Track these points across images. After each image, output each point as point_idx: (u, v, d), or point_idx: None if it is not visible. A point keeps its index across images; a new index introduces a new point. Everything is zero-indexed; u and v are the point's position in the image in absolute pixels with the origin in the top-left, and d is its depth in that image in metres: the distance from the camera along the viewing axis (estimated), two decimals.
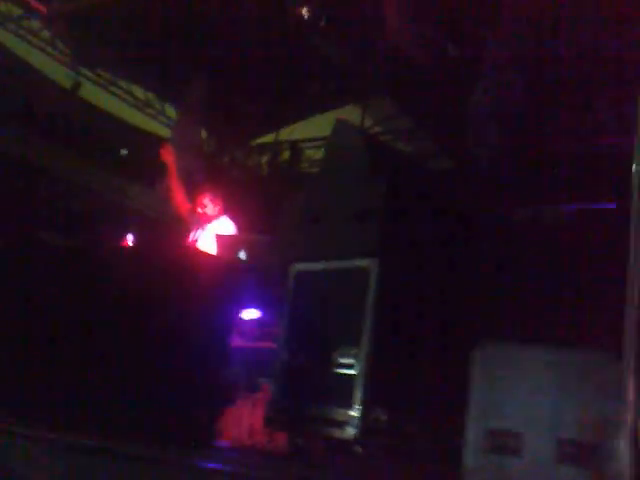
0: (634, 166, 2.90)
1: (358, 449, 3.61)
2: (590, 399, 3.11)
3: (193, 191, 5.77)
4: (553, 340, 3.34)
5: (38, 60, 8.31)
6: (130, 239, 5.29)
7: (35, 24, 7.96)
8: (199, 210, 5.47)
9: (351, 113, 8.00)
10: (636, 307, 2.84)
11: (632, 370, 2.81)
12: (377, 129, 8.20)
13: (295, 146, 8.87)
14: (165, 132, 9.03)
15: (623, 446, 2.77)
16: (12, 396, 3.59)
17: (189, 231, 5.43)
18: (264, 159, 9.24)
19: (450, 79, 6.72)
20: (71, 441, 3.04)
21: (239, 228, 5.57)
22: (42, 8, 7.64)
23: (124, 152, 9.34)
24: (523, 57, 5.40)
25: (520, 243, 3.65)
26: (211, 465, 3.14)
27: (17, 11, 7.81)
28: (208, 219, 5.48)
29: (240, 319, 4.96)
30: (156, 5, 7.00)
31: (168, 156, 5.82)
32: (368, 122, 8.17)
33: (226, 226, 5.42)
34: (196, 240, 5.37)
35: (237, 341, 4.92)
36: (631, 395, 2.81)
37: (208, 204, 5.45)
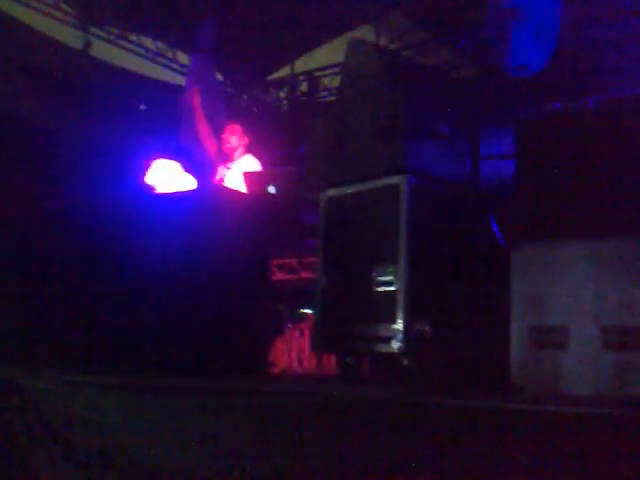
0: None
1: (405, 362, 3.68)
2: (630, 286, 3.10)
3: (216, 133, 5.76)
4: (588, 233, 3.31)
5: (45, 25, 8.27)
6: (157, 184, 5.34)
7: None
8: (225, 148, 5.47)
9: (365, 35, 7.82)
10: None
11: None
12: (393, 46, 8.01)
13: (312, 76, 8.75)
14: (180, 80, 8.98)
15: None
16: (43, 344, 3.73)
17: (216, 171, 5.45)
18: (282, 93, 9.15)
19: None
20: (131, 381, 3.16)
21: (265, 163, 5.57)
22: None
23: (143, 107, 9.32)
24: None
25: (548, 138, 3.57)
26: (266, 388, 3.24)
27: None
28: (234, 156, 5.48)
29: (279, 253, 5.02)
30: None
31: (193, 99, 5.78)
32: (383, 41, 7.98)
33: (252, 163, 5.42)
34: (223, 179, 5.39)
35: (277, 275, 4.99)
36: None
37: (233, 141, 5.44)
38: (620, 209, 3.32)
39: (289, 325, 5.25)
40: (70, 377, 3.22)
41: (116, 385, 3.09)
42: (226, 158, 5.50)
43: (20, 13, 7.99)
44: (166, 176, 5.16)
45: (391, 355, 3.74)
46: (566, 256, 3.35)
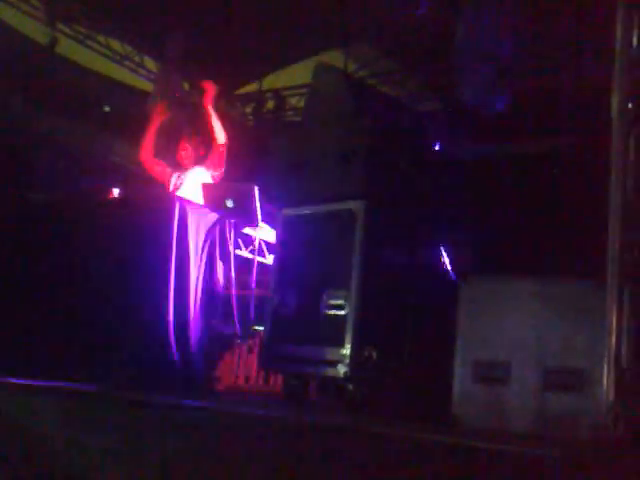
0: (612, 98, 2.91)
1: (350, 386, 3.69)
2: (574, 327, 3.18)
3: (178, 142, 5.71)
4: (536, 271, 3.39)
5: (12, 17, 8.13)
6: (116, 193, 5.27)
7: None
8: (179, 157, 5.41)
9: (334, 58, 7.89)
10: (617, 236, 2.88)
11: (614, 297, 2.86)
12: (361, 73, 8.11)
13: (279, 94, 8.78)
14: (146, 85, 8.90)
15: (606, 370, 2.84)
16: (9, 349, 3.64)
17: (169, 180, 5.37)
18: (248, 109, 9.16)
19: (433, 20, 6.63)
20: (73, 389, 3.10)
21: (226, 177, 5.54)
22: None
23: (107, 108, 9.21)
24: None
25: (500, 178, 3.66)
26: (209, 405, 3.21)
27: None
28: (187, 166, 5.42)
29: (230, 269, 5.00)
30: None
31: (155, 109, 5.72)
32: (352, 67, 8.07)
33: (205, 174, 5.38)
34: (178, 188, 5.33)
35: (229, 289, 4.96)
36: (613, 321, 2.87)
37: (188, 151, 5.39)
38: (570, 251, 3.41)
39: (238, 341, 5.21)
40: (5, 379, 3.15)
41: (50, 390, 3.03)
42: (179, 167, 5.44)
43: None
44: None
45: (337, 379, 3.75)
46: (513, 293, 3.42)
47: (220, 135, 5.29)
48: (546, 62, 6.58)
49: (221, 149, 5.29)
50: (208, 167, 5.39)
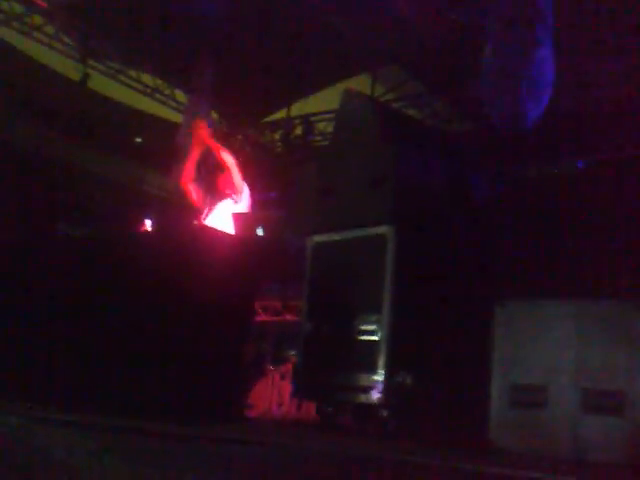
0: None
1: (384, 413, 3.66)
2: (612, 349, 3.11)
3: (207, 172, 5.76)
4: (573, 293, 3.34)
5: (45, 56, 8.36)
6: (148, 224, 5.34)
7: (38, 19, 7.99)
8: (214, 190, 5.47)
9: (362, 83, 7.95)
10: None
11: None
12: (388, 97, 8.14)
13: (307, 120, 8.84)
14: (176, 117, 9.05)
15: None
16: (33, 382, 3.68)
17: (202, 212, 5.43)
18: (277, 135, 9.23)
19: (457, 43, 6.64)
20: (100, 422, 3.11)
21: (255, 205, 5.58)
22: (42, 2, 7.67)
23: (138, 140, 9.39)
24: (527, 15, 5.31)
25: (538, 199, 3.63)
26: (241, 437, 3.20)
27: (19, 8, 7.85)
28: (223, 198, 5.48)
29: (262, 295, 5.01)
30: None
31: (200, 132, 5.66)
32: (379, 91, 8.12)
33: (242, 204, 5.43)
34: (209, 219, 5.38)
35: (261, 316, 4.97)
36: None
37: (223, 183, 5.44)
38: (606, 271, 3.36)
39: (271, 367, 5.21)
40: (36, 413, 3.17)
41: (84, 424, 3.04)
42: (214, 200, 5.50)
43: (20, 42, 8.08)
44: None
45: (371, 406, 3.72)
46: (550, 315, 3.37)
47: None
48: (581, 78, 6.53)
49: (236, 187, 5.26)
50: (235, 202, 5.44)
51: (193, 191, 5.36)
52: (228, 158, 5.24)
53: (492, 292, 3.87)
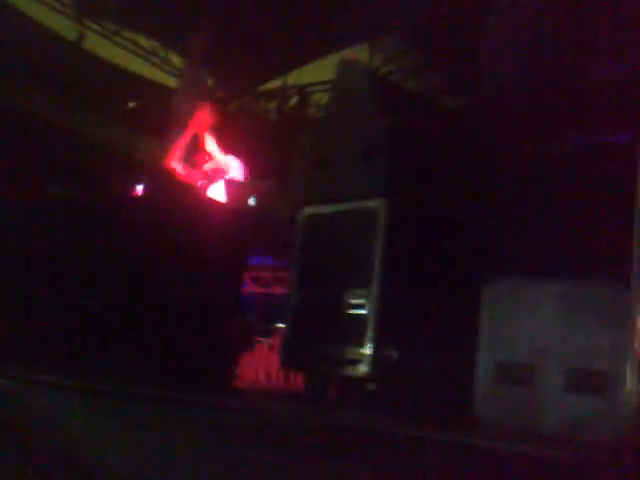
0: None
1: (371, 386, 3.68)
2: (598, 329, 3.13)
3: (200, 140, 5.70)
4: (561, 273, 3.34)
5: (40, 13, 8.22)
6: (139, 190, 5.30)
7: None
8: (206, 158, 5.42)
9: (360, 53, 7.86)
10: None
11: (639, 300, 2.82)
12: (386, 68, 8.05)
13: (303, 91, 8.76)
14: (171, 81, 8.95)
15: (630, 373, 2.80)
16: (26, 345, 3.68)
17: (196, 180, 5.39)
18: (272, 105, 9.15)
19: (460, 11, 6.57)
20: (91, 386, 3.13)
21: (248, 175, 5.55)
22: None
23: (132, 104, 9.29)
24: None
25: (527, 177, 3.61)
26: (230, 405, 3.22)
27: None
28: (216, 167, 5.43)
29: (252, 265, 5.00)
30: None
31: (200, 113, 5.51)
32: (376, 61, 8.03)
33: (235, 172, 5.38)
34: (205, 187, 5.34)
35: (250, 287, 4.98)
36: (638, 324, 2.83)
37: (216, 151, 5.39)
38: (595, 253, 3.36)
39: (259, 339, 5.23)
40: (34, 376, 3.18)
41: (79, 388, 3.06)
42: (208, 169, 5.44)
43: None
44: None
45: (357, 378, 3.74)
46: (537, 293, 3.38)
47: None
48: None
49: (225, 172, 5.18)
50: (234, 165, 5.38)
51: (181, 169, 5.30)
52: (212, 146, 5.15)
53: (480, 270, 3.88)
